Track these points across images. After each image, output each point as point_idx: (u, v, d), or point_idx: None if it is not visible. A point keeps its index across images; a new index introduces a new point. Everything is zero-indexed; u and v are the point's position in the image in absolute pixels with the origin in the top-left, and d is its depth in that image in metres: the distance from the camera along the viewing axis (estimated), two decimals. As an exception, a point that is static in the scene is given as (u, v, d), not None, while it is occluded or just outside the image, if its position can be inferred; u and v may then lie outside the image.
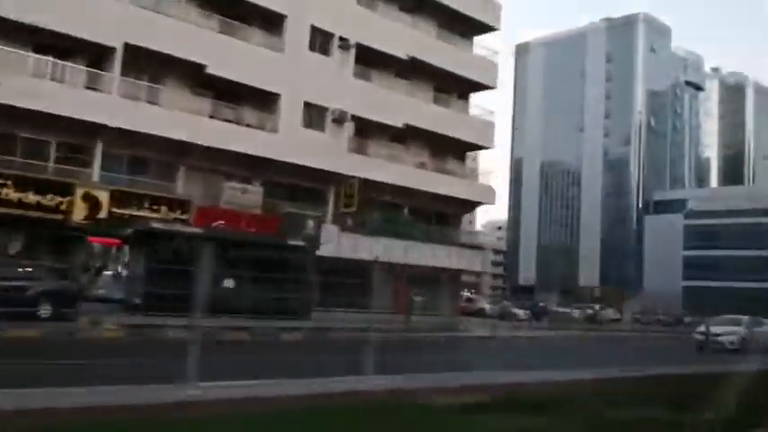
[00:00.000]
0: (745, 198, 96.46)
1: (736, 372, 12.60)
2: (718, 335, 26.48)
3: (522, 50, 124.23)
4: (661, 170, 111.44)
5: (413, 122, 36.95)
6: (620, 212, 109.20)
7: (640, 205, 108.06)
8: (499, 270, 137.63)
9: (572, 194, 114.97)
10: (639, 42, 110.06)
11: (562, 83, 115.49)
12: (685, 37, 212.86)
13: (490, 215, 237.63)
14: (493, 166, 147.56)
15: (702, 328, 27.99)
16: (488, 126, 41.96)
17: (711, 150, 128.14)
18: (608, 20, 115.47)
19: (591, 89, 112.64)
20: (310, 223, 28.91)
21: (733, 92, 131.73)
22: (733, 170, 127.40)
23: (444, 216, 40.99)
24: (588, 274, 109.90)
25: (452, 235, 41.09)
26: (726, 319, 29.30)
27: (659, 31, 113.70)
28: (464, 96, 42.10)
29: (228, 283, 25.16)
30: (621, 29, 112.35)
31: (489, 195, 41.87)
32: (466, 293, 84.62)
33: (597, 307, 77.66)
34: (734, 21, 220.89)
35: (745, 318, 28.53)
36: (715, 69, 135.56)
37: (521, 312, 57.34)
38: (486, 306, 59.71)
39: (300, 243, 27.72)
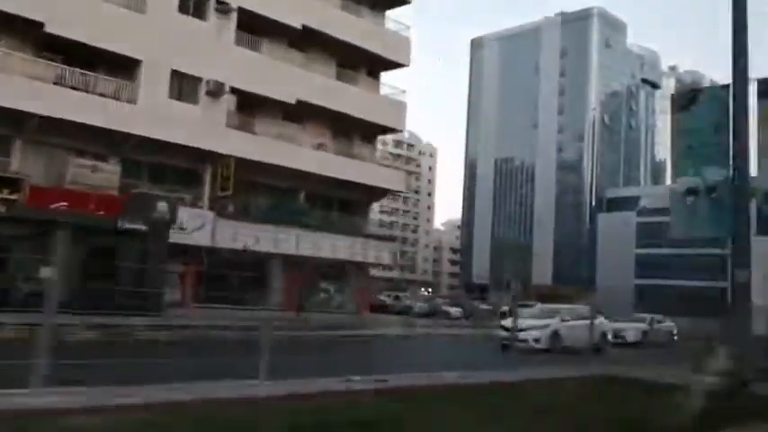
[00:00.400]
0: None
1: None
2: (521, 330, 20.17)
3: (476, 45, 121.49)
4: (615, 168, 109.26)
5: (308, 99, 33.41)
6: (574, 210, 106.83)
7: (594, 203, 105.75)
8: (457, 269, 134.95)
9: (526, 192, 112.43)
10: (594, 37, 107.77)
11: (517, 78, 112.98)
12: (642, 34, 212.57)
13: (450, 213, 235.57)
14: (444, 161, 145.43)
15: (507, 322, 22.10)
16: (399, 107, 38.57)
17: (667, 150, 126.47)
18: (563, 14, 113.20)
19: (545, 85, 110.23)
20: (162, 205, 25.11)
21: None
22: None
23: (348, 204, 37.51)
24: (541, 272, 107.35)
25: (358, 224, 37.64)
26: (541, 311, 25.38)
27: (614, 27, 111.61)
28: (374, 74, 38.71)
29: (46, 272, 21.37)
30: (576, 24, 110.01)
31: (397, 181, 38.54)
32: (404, 292, 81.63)
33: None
34: (691, 19, 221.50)
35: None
36: (672, 68, 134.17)
37: (452, 310, 54.53)
38: (417, 304, 56.42)
39: (140, 227, 23.98)
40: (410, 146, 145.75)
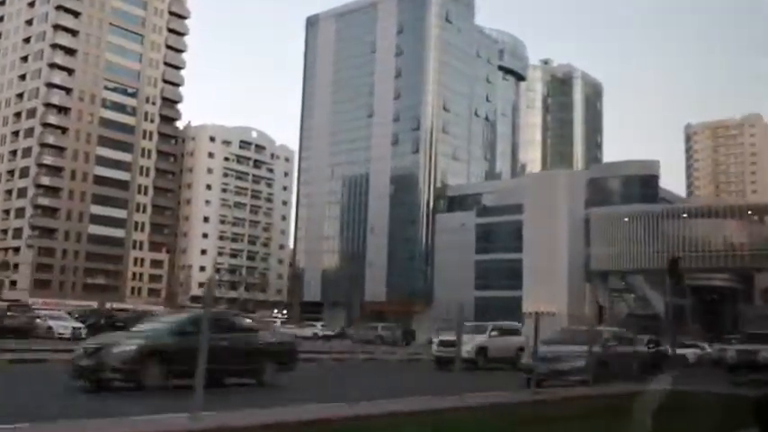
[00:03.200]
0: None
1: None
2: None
3: (311, 24, 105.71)
4: (460, 161, 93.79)
5: None
6: (409, 212, 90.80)
7: (431, 203, 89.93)
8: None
9: (360, 192, 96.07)
10: (432, 10, 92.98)
11: (352, 60, 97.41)
12: (513, 25, 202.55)
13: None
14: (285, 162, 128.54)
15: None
16: None
17: (531, 145, 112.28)
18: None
19: (381, 67, 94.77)
20: None
21: (560, 84, 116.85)
22: (560, 163, 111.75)
23: None
24: (376, 285, 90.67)
25: None
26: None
27: (459, 3, 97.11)
28: None
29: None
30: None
31: None
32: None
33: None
34: (564, 13, 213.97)
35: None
36: (545, 62, 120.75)
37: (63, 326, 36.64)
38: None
39: None
40: (260, 148, 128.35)
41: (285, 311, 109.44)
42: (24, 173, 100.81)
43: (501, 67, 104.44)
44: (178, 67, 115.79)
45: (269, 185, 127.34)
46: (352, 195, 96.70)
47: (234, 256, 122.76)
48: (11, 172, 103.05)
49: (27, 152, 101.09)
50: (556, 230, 47.90)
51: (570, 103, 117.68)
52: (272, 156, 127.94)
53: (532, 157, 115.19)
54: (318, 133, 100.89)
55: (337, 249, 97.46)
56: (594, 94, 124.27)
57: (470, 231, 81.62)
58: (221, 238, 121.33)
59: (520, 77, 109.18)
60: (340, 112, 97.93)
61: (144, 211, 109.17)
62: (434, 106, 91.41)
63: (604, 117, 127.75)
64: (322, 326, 57.90)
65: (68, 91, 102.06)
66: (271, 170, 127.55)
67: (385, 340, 49.71)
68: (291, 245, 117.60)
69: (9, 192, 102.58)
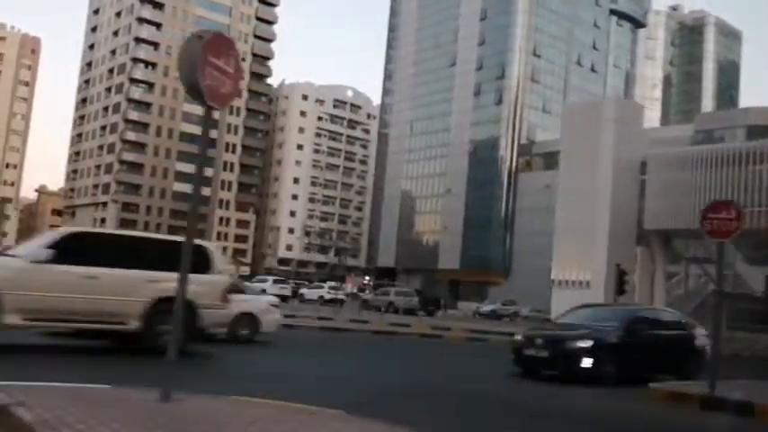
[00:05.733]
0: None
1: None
2: None
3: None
4: (552, 115, 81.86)
5: None
6: (489, 171, 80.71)
7: (514, 161, 79.25)
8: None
9: (442, 142, 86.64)
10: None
11: (437, 4, 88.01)
12: None
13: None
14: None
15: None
16: None
17: (650, 101, 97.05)
18: None
19: (466, 7, 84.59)
20: None
21: (688, 33, 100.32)
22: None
23: None
24: (449, 253, 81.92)
25: None
26: None
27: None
28: None
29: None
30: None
31: None
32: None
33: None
34: None
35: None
36: (674, 8, 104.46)
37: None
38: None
39: None
40: (355, 107, 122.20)
41: (368, 278, 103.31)
42: (114, 128, 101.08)
43: (614, 12, 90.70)
44: (270, 22, 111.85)
45: (364, 147, 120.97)
46: (430, 153, 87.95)
47: (324, 219, 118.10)
48: (103, 128, 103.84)
49: (116, 108, 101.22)
50: (596, 177, 37.21)
51: (700, 54, 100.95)
52: (369, 116, 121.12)
53: (650, 115, 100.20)
54: (400, 87, 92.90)
55: (412, 212, 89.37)
56: (730, 44, 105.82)
57: (557, 193, 70.62)
58: (312, 200, 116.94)
59: (638, 24, 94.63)
60: (422, 61, 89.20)
61: (231, 170, 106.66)
62: (523, 52, 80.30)
63: (742, 71, 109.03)
64: (331, 288, 50.49)
65: (156, 46, 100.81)
66: (367, 131, 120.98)
67: (398, 308, 41.53)
68: (369, 208, 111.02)
69: (101, 147, 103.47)
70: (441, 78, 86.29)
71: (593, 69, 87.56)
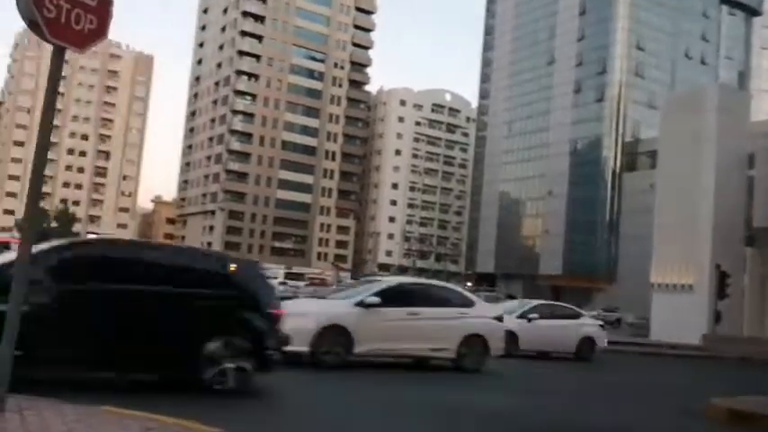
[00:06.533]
0: None
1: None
2: None
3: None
4: (659, 110, 77.71)
5: None
6: (592, 171, 77.67)
7: (618, 160, 75.86)
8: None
9: (541, 143, 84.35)
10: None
11: (534, 1, 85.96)
12: None
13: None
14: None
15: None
16: None
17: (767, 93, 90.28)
18: None
19: (564, 2, 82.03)
20: None
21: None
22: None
23: None
24: (551, 257, 79.49)
25: None
26: None
27: None
28: None
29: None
30: None
31: None
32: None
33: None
34: None
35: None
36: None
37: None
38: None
39: None
40: (454, 111, 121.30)
41: (469, 284, 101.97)
42: (220, 139, 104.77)
43: (726, 0, 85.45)
44: (367, 30, 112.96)
45: (463, 150, 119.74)
46: (529, 154, 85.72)
47: (424, 224, 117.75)
48: (211, 138, 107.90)
49: (222, 119, 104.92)
50: (698, 171, 34.26)
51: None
52: (468, 119, 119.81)
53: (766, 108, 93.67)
54: (497, 88, 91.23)
55: (512, 216, 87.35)
56: None
57: (662, 193, 66.94)
58: (411, 205, 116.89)
59: (753, 12, 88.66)
60: (519, 60, 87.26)
61: (331, 177, 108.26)
62: (625, 45, 76.87)
63: None
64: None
65: (258, 58, 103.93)
66: (465, 134, 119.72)
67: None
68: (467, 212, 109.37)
69: (209, 157, 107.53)
70: (539, 77, 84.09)
71: (702, 62, 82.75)
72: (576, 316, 18.16)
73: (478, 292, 54.43)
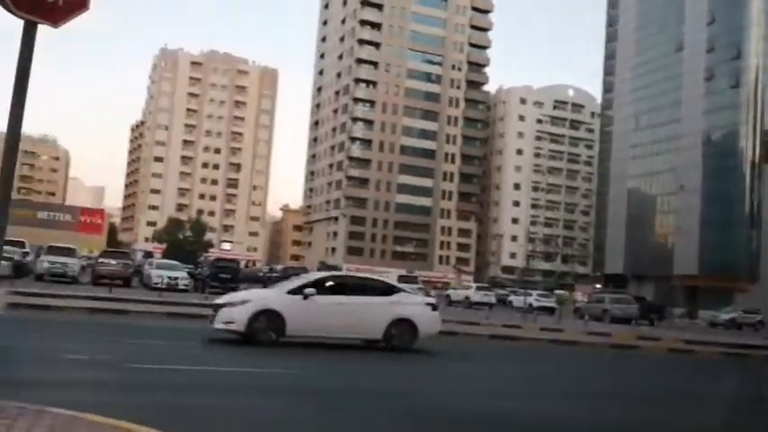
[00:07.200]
0: None
1: None
2: None
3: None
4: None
5: None
6: (729, 163, 72.13)
7: (758, 150, 70.01)
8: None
9: (671, 135, 79.41)
10: None
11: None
12: None
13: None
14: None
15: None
16: None
17: None
18: None
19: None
20: None
21: None
22: None
23: None
24: (685, 257, 74.69)
25: None
26: None
27: None
28: None
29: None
30: None
31: None
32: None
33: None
34: None
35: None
36: None
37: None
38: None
39: None
40: (577, 107, 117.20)
41: (598, 286, 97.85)
42: (341, 147, 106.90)
43: None
44: (484, 29, 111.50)
45: (589, 147, 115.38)
46: (658, 147, 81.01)
47: (549, 225, 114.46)
48: (332, 147, 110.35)
49: (343, 127, 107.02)
50: None
51: None
52: (592, 114, 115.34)
53: None
54: (621, 80, 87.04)
55: (640, 213, 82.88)
56: None
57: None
58: (534, 206, 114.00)
59: None
60: (645, 50, 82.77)
61: (451, 180, 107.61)
62: (762, 26, 70.96)
63: None
64: (539, 295, 47.71)
65: (375, 65, 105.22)
66: (591, 130, 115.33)
67: (613, 316, 38.10)
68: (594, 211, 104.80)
69: (331, 165, 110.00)
70: (667, 66, 79.42)
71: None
72: (388, 291, 14.25)
73: (601, 293, 51.97)
